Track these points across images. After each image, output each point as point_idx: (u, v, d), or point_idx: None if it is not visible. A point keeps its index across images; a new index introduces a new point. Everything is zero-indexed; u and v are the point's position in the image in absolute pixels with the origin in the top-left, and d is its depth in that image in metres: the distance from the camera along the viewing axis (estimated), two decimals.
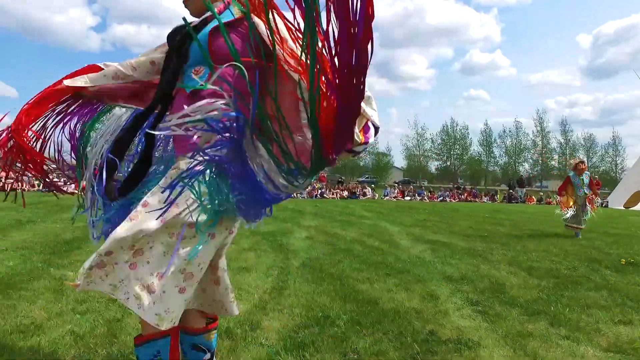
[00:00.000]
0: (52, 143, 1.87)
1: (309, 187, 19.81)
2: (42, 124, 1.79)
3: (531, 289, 3.72)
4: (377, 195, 21.06)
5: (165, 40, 1.66)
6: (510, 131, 50.46)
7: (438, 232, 7.75)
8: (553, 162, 49.23)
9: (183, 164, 1.38)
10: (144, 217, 1.33)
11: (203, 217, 1.34)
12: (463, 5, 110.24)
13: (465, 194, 22.29)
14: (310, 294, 3.34)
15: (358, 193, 20.12)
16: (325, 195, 19.16)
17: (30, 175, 1.84)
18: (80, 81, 1.70)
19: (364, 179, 47.86)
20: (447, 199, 21.00)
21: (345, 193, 19.80)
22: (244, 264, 4.29)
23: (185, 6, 1.67)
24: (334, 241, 6.05)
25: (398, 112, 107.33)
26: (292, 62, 1.26)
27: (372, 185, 24.25)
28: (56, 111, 1.81)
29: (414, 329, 2.68)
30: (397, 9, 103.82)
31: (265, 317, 2.78)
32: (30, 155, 1.71)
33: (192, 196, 1.28)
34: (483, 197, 22.18)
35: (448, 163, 52.95)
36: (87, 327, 2.47)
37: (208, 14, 1.51)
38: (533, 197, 22.97)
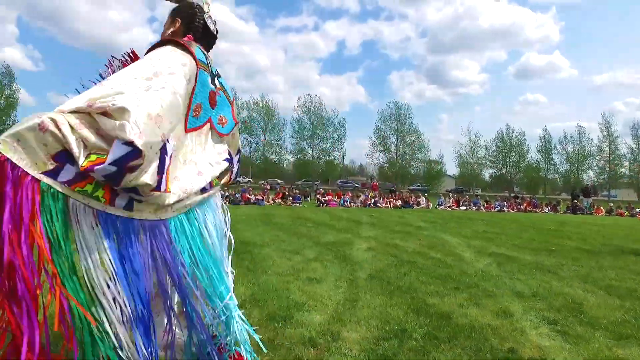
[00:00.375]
0: None
1: (362, 197, 19.87)
2: None
3: (614, 310, 3.58)
4: (431, 204, 20.67)
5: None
6: (572, 137, 47.53)
7: (501, 244, 7.54)
8: (623, 170, 45.63)
9: None
10: None
11: None
12: (518, 6, 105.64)
13: (525, 204, 21.28)
14: (383, 307, 3.43)
15: (412, 202, 19.86)
16: (378, 204, 19.10)
17: None
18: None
19: (415, 187, 47.10)
20: (505, 209, 20.17)
21: (399, 202, 19.61)
22: (312, 275, 4.46)
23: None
24: (396, 253, 6.09)
25: (449, 118, 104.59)
26: None
27: (426, 194, 23.80)
28: None
29: (492, 346, 2.70)
30: (447, 13, 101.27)
31: (344, 328, 2.92)
32: None
33: None
34: (544, 207, 21.04)
35: (503, 171, 50.74)
36: None
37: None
38: (601, 207, 21.45)
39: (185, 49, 1.56)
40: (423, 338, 2.80)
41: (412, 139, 47.49)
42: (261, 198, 17.66)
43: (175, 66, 1.45)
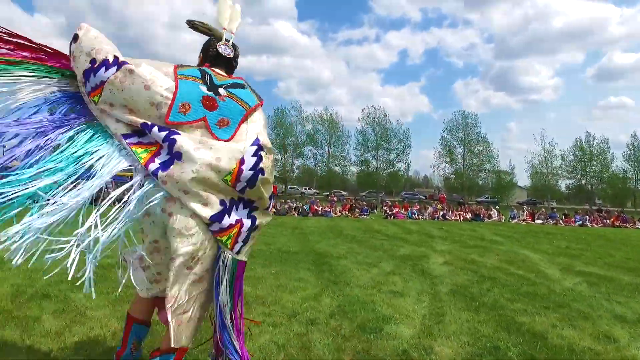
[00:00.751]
0: None
1: (430, 209, 19.44)
2: None
3: None
4: (503, 217, 19.70)
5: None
6: None
7: (589, 262, 7.06)
8: None
9: None
10: None
11: None
12: (598, 2, 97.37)
13: (612, 219, 19.49)
14: (471, 322, 3.43)
15: (482, 215, 19.08)
16: (447, 217, 18.59)
17: None
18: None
19: (483, 199, 44.99)
20: (587, 224, 18.64)
21: (469, 215, 18.94)
22: (394, 288, 4.53)
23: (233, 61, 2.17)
24: (475, 268, 5.96)
25: (518, 126, 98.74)
26: None
27: (497, 207, 22.70)
28: None
29: None
30: (515, 16, 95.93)
31: (435, 343, 2.96)
32: None
33: None
34: (636, 222, 19.11)
35: (583, 182, 46.84)
36: None
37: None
38: None
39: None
40: (519, 357, 2.77)
41: (480, 148, 45.60)
42: (329, 210, 17.95)
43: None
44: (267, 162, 1.86)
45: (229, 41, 2.12)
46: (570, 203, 51.85)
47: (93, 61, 1.73)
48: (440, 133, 46.84)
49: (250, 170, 1.78)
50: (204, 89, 1.86)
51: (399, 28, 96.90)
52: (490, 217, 19.04)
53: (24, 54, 1.80)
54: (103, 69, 1.72)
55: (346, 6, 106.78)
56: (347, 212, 18.28)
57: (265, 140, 1.91)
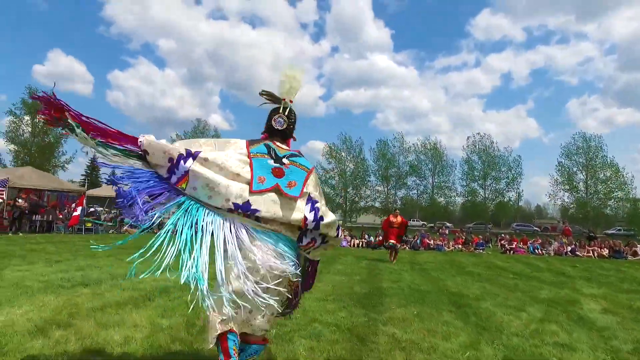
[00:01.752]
0: None
1: (555, 244, 17.50)
2: None
3: None
4: None
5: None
6: None
7: None
8: None
9: None
10: None
11: None
12: None
13: None
14: None
15: (624, 252, 16.51)
16: (577, 252, 16.48)
17: None
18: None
19: (614, 231, 39.18)
20: None
21: (606, 251, 16.55)
22: (558, 339, 4.01)
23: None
24: None
25: None
26: None
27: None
28: None
29: None
30: None
31: None
32: None
33: None
34: None
35: None
36: None
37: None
38: None
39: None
40: None
41: (607, 174, 40.26)
42: (441, 243, 17.14)
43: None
44: (323, 209, 2.39)
45: (284, 112, 2.49)
46: None
47: (171, 159, 2.21)
48: (557, 159, 42.56)
49: (313, 221, 2.32)
50: (271, 162, 2.36)
51: (500, 50, 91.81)
52: (635, 254, 16.35)
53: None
54: (182, 162, 2.19)
55: (442, 34, 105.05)
56: (461, 246, 17.25)
57: (315, 195, 2.40)
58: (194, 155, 2.21)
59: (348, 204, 43.20)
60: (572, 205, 42.53)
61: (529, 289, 7.16)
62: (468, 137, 43.86)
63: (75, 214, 16.03)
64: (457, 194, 43.69)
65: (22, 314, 3.77)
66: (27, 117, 33.48)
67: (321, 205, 2.38)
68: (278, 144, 2.46)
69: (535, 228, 47.14)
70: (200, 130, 43.44)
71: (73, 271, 6.33)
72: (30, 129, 33.81)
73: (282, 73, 2.51)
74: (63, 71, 74.26)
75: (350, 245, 18.20)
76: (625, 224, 41.96)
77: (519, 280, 8.25)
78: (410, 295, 5.97)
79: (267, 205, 2.20)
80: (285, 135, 2.53)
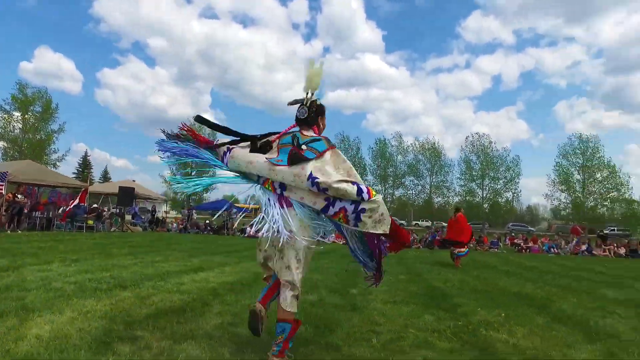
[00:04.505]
0: None
1: (572, 244, 17.22)
2: None
3: None
4: None
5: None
6: None
7: None
8: None
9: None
10: None
11: None
12: None
13: None
14: None
15: None
16: (594, 252, 16.20)
17: None
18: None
19: (608, 231, 39.31)
20: None
21: (622, 250, 16.30)
22: None
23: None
24: None
25: None
26: None
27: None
28: None
29: None
30: (630, 26, 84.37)
31: None
32: None
33: None
34: None
35: None
36: None
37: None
38: None
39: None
40: None
41: (604, 174, 40.42)
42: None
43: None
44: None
45: (306, 104, 2.78)
46: None
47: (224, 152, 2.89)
48: (555, 159, 42.57)
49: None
50: (290, 146, 2.71)
51: (491, 52, 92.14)
52: None
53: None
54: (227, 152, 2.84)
55: (433, 35, 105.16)
56: (474, 245, 16.86)
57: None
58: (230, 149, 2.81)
59: None
60: (568, 206, 42.59)
61: (591, 289, 6.69)
62: (467, 137, 43.60)
63: (67, 208, 15.33)
64: (455, 193, 43.44)
65: (66, 321, 3.11)
66: (17, 114, 32.14)
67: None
68: (304, 132, 2.76)
69: (531, 228, 47.24)
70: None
71: (98, 272, 5.62)
72: (20, 125, 32.40)
73: (306, 70, 2.80)
74: (51, 68, 71.79)
75: None
76: (619, 224, 42.20)
77: (569, 280, 7.80)
78: (474, 295, 5.44)
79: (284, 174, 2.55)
80: (308, 123, 2.78)
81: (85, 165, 44.31)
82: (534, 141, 79.77)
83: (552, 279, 7.97)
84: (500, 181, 41.39)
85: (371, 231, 2.49)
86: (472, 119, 78.28)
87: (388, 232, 2.51)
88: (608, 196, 40.83)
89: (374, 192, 2.45)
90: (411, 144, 44.47)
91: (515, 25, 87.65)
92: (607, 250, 16.42)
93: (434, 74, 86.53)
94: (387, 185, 43.30)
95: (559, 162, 41.71)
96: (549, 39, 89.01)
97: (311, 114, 2.76)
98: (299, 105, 2.80)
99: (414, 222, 46.69)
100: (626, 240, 17.66)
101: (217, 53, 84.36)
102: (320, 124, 2.83)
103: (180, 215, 31.85)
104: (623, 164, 69.10)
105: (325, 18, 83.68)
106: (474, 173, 41.64)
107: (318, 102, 2.80)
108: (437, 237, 17.56)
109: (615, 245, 17.01)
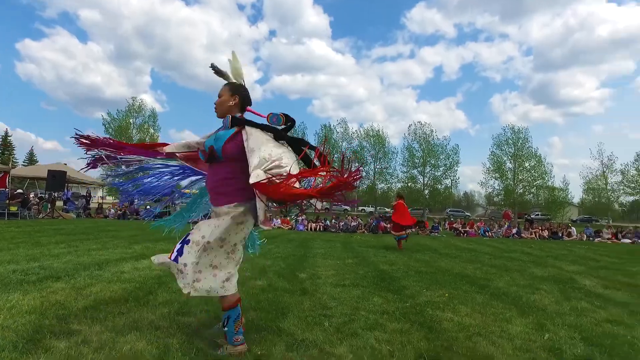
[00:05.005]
0: None
1: (504, 227, 18.42)
2: None
3: None
4: (584, 236, 18.35)
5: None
6: None
7: None
8: None
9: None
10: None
11: None
12: None
13: None
14: None
15: (561, 233, 17.86)
16: (522, 234, 17.52)
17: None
18: (172, 149, 2.96)
19: (533, 216, 42.80)
20: None
21: (546, 233, 17.77)
22: (600, 315, 3.87)
23: (215, 110, 2.65)
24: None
25: (562, 141, 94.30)
26: None
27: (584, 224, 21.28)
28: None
29: None
30: (555, 27, 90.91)
31: None
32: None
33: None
34: None
35: None
36: None
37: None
38: None
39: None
40: None
41: (532, 164, 43.73)
42: None
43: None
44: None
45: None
46: (626, 220, 48.75)
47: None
48: (490, 148, 45.32)
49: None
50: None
51: (434, 44, 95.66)
52: (570, 235, 17.77)
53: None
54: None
55: (379, 24, 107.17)
56: (414, 230, 17.57)
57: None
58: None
59: None
60: (501, 192, 45.63)
61: (521, 268, 7.22)
62: (410, 125, 45.17)
63: None
64: (398, 179, 44.95)
65: None
66: None
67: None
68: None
69: (467, 214, 50.11)
70: (135, 109, 40.04)
71: (24, 262, 5.15)
72: None
73: (232, 62, 2.67)
74: None
75: (307, 229, 17.81)
76: (541, 209, 45.99)
77: (503, 261, 8.36)
78: (419, 277, 5.64)
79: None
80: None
81: (5, 146, 40.26)
82: (471, 131, 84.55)
83: (488, 260, 8.50)
84: (441, 168, 43.42)
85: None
86: (414, 108, 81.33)
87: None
88: (535, 183, 44.21)
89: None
90: (356, 130, 45.35)
91: (456, 19, 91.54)
92: (533, 233, 17.84)
93: (379, 62, 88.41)
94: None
95: (493, 152, 44.47)
96: (486, 34, 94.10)
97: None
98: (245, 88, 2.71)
99: (360, 208, 47.71)
100: (548, 224, 19.25)
101: (156, 31, 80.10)
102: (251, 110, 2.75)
103: (117, 201, 30.13)
104: (547, 154, 75.53)
105: (272, 0, 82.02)
106: (416, 160, 43.28)
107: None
108: (381, 222, 18.08)
109: (540, 228, 18.51)
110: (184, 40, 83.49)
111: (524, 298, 4.53)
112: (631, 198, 46.47)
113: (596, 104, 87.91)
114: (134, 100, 40.77)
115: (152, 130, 39.44)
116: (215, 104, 2.64)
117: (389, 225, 10.99)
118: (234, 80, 2.69)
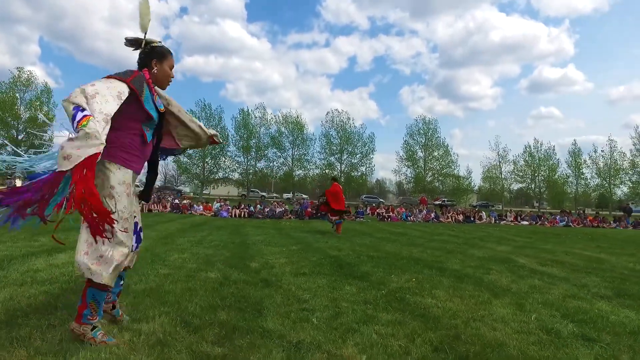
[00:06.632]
0: None
1: (422, 212, 19.39)
2: None
3: None
4: (493, 219, 20.10)
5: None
6: (602, 151, 46.39)
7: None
8: None
9: None
10: None
11: None
12: (530, 20, 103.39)
13: (589, 219, 20.62)
14: None
15: (474, 217, 19.35)
16: (440, 219, 18.62)
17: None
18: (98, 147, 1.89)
19: (440, 202, 46.30)
20: (570, 224, 19.54)
21: (461, 217, 19.10)
22: (548, 296, 4.00)
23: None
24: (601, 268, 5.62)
25: (462, 133, 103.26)
26: None
27: (489, 208, 23.20)
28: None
29: None
30: (457, 29, 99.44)
31: None
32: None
33: None
34: (612, 222, 20.31)
35: (532, 186, 49.83)
36: None
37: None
38: None
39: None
40: None
41: (440, 153, 47.06)
42: (324, 213, 17.28)
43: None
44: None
45: (142, 44, 2.46)
46: (513, 205, 55.04)
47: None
48: (403, 138, 47.74)
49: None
50: None
51: (348, 34, 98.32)
52: (480, 218, 19.34)
53: None
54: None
55: (296, 10, 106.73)
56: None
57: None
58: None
59: (206, 174, 40.83)
60: (412, 180, 48.47)
61: (460, 250, 7.45)
62: (327, 113, 45.73)
63: None
64: (315, 166, 45.39)
65: None
66: None
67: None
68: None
69: (381, 200, 52.41)
70: (22, 82, 34.80)
71: None
72: None
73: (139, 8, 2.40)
74: None
75: (231, 216, 17.03)
76: (446, 195, 50.00)
77: (439, 244, 8.61)
78: (373, 262, 5.45)
79: None
80: (139, 66, 2.46)
81: None
82: (382, 121, 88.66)
83: (424, 242, 8.71)
84: (357, 156, 44.69)
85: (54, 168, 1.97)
86: (328, 96, 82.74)
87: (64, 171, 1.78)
88: (443, 172, 47.69)
89: (84, 122, 1.85)
90: (274, 116, 44.70)
91: (369, 11, 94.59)
92: (449, 218, 19.07)
93: (295, 49, 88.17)
94: (250, 157, 42.78)
95: (406, 141, 46.96)
96: (397, 28, 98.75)
97: (141, 55, 2.47)
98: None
99: (276, 195, 47.32)
100: (462, 209, 20.77)
101: None
102: (155, 67, 2.44)
103: (4, 187, 26.01)
104: (450, 145, 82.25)
105: None
106: (333, 147, 44.02)
107: (157, 44, 2.47)
108: (308, 208, 17.93)
109: (455, 213, 19.88)
110: (82, 10, 74.82)
111: (484, 279, 4.54)
112: (518, 185, 52.53)
113: (490, 101, 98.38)
114: (20, 72, 35.43)
115: (45, 108, 34.65)
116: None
117: (325, 211, 10.79)
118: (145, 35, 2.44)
